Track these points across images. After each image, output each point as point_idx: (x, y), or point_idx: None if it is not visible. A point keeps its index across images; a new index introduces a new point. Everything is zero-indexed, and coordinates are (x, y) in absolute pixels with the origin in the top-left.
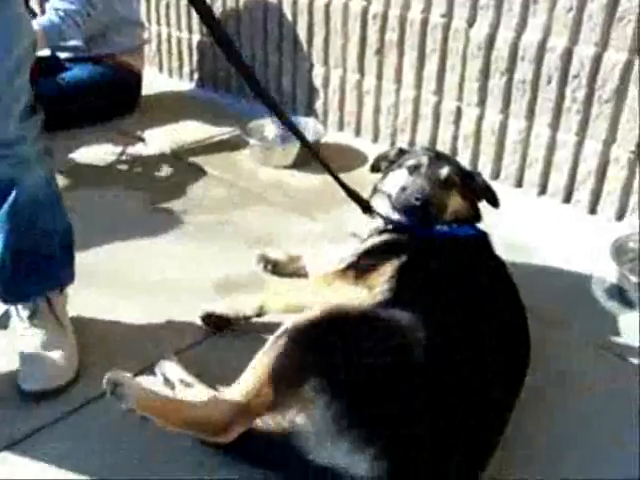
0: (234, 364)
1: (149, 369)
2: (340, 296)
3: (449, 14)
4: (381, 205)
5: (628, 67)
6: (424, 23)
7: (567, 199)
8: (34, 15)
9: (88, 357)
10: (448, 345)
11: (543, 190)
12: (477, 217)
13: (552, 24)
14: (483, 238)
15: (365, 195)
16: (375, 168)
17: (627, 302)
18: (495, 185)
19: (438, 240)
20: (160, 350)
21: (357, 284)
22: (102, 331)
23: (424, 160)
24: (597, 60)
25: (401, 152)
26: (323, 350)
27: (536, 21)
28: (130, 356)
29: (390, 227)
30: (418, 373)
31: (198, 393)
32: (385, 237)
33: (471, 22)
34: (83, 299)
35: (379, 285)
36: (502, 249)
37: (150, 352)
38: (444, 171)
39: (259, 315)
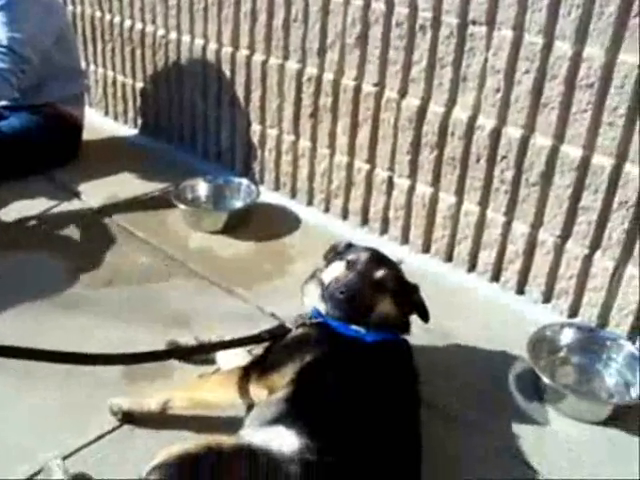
0: (137, 462)
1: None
2: (242, 397)
3: (381, 83)
4: (312, 292)
5: (553, 153)
6: (357, 90)
7: (496, 277)
8: None
9: None
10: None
11: (473, 267)
12: (406, 328)
13: (481, 103)
14: (403, 346)
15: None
16: (325, 257)
17: (544, 401)
18: (425, 259)
19: (350, 341)
20: (58, 449)
21: (258, 385)
22: None
23: (362, 257)
24: (524, 143)
25: (349, 246)
26: None
27: (465, 98)
28: (22, 457)
29: (307, 320)
30: None
31: None
32: (297, 331)
33: (402, 93)
34: None
35: (278, 388)
36: (425, 333)
37: (46, 450)
38: (379, 273)
39: (164, 410)
